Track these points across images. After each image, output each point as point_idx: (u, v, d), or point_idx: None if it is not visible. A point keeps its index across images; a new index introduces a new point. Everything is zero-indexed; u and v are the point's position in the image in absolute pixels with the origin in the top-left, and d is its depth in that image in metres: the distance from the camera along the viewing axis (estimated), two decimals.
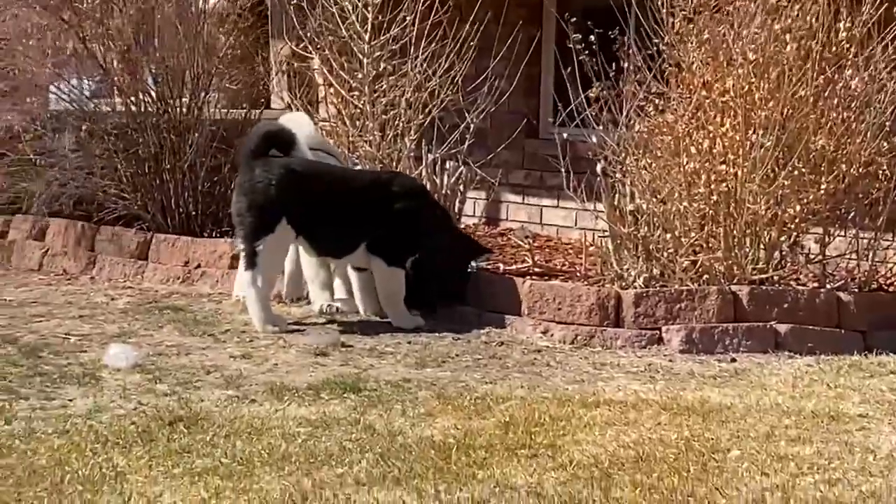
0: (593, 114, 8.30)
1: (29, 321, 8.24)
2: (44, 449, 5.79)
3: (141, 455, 5.73)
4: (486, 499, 5.27)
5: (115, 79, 10.19)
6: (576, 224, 9.97)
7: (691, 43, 8.17)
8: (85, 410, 6.40)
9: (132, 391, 6.75)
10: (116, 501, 5.20)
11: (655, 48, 8.25)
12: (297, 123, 8.45)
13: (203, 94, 10.16)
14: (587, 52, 8.31)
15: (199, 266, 9.28)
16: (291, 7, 9.70)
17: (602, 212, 8.41)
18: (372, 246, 8.15)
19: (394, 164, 9.01)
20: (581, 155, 8.63)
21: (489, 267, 8.87)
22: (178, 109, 10.07)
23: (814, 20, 7.90)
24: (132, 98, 10.07)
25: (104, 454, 5.73)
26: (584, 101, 8.35)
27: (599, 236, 8.67)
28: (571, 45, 8.45)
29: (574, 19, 8.64)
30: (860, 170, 8.03)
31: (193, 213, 9.86)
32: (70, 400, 6.58)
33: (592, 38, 8.39)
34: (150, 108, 10.05)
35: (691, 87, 8.12)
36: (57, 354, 7.46)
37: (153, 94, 10.11)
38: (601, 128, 8.29)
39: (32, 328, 8.06)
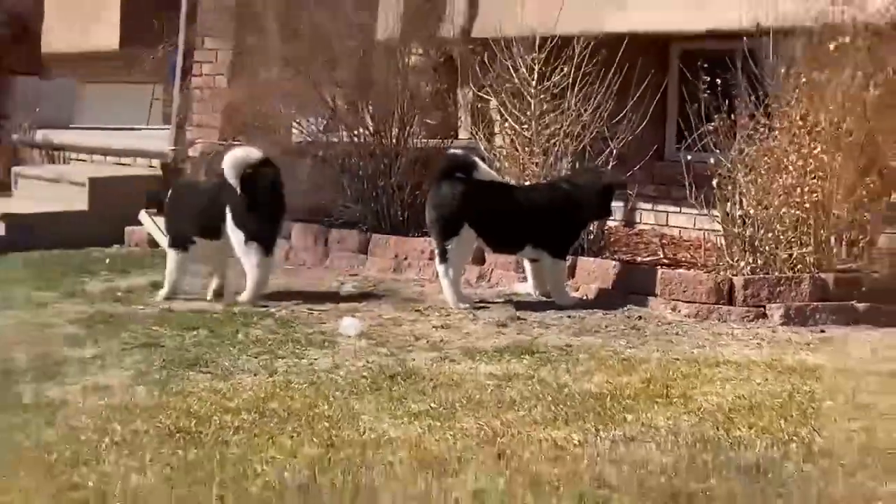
0: (711, 140, 8.23)
1: (281, 300, 8.31)
2: (297, 395, 5.87)
3: (370, 401, 5.79)
4: (635, 436, 5.26)
5: (341, 117, 10.26)
6: (694, 226, 9.84)
7: (791, 85, 8.05)
8: (326, 367, 6.48)
9: (361, 353, 6.81)
10: (354, 435, 5.26)
11: (762, 89, 8.15)
12: None
13: (408, 128, 10.17)
14: (707, 91, 8.24)
15: (406, 258, 9.32)
16: (475, 62, 9.72)
17: (717, 216, 8.32)
18: (538, 243, 8.16)
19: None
20: (700, 172, 8.52)
21: (629, 258, 8.81)
22: (389, 140, 10.09)
23: (891, 70, 7.77)
24: (354, 132, 10.13)
25: (342, 400, 5.80)
26: (703, 130, 8.30)
27: (715, 235, 8.57)
28: (694, 88, 8.39)
29: (699, 68, 8.54)
30: None
31: (401, 218, 9.87)
32: (315, 359, 6.66)
33: (711, 81, 8.33)
34: (367, 139, 10.08)
35: (790, 119, 8.01)
36: (303, 325, 7.55)
37: (370, 128, 10.16)
38: (717, 151, 8.20)
39: (284, 305, 8.13)
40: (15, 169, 12.65)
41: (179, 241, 8.37)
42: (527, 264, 8.43)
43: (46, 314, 7.76)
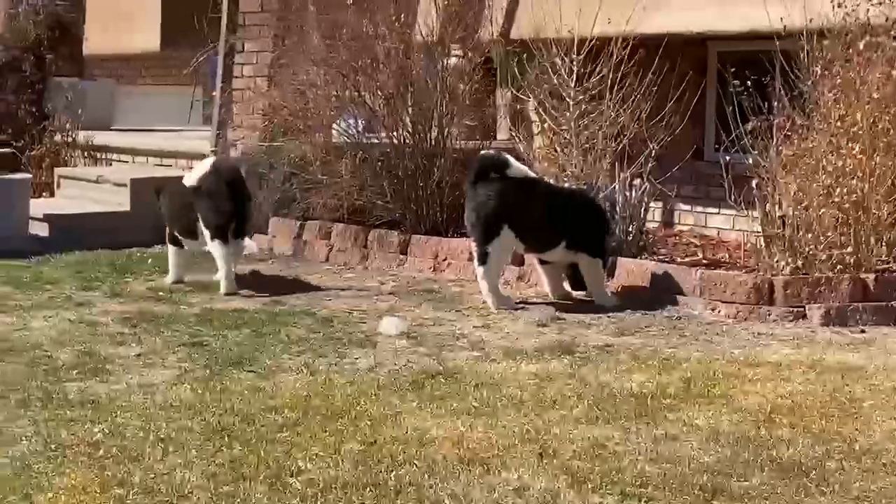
0: (749, 141, 8.22)
1: (321, 300, 8.38)
2: (339, 394, 5.90)
3: (412, 399, 5.81)
4: (676, 435, 5.27)
5: (381, 118, 10.29)
6: (733, 227, 9.83)
7: (827, 85, 8.05)
8: (368, 366, 6.51)
9: (401, 352, 6.84)
10: (396, 433, 5.28)
11: (798, 89, 8.14)
12: None
13: (447, 129, 10.19)
14: (745, 93, 8.24)
15: (445, 259, 9.34)
16: (514, 63, 9.74)
17: (756, 217, 8.31)
18: (573, 241, 8.14)
19: (593, 181, 8.97)
20: (739, 173, 8.52)
21: (668, 259, 8.81)
22: (428, 141, 10.11)
23: None
24: (394, 133, 10.16)
25: (384, 398, 5.82)
26: (741, 131, 8.30)
27: (754, 235, 8.55)
28: (731, 89, 8.40)
29: (734, 69, 8.54)
30: None
31: (440, 219, 9.89)
32: (356, 358, 6.69)
33: (748, 82, 8.33)
34: (407, 140, 10.10)
35: (828, 119, 7.99)
36: (344, 324, 7.58)
37: (409, 129, 10.18)
38: (756, 152, 8.19)
39: (325, 305, 8.19)
40: (57, 170, 12.76)
41: (172, 239, 8.97)
42: (539, 267, 8.42)
43: (91, 313, 7.82)
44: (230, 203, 8.58)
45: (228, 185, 8.63)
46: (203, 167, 8.88)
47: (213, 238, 8.58)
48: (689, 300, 7.92)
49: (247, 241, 10.48)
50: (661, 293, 8.09)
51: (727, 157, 8.63)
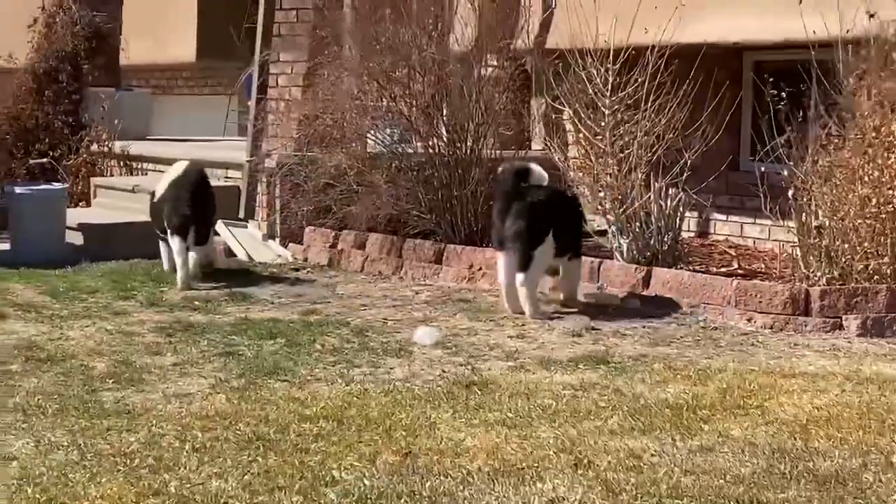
0: (786, 151, 8.20)
1: (356, 309, 8.40)
2: (374, 404, 5.91)
3: (447, 409, 5.81)
4: (712, 446, 5.25)
5: (416, 128, 10.30)
6: (769, 237, 9.79)
7: (863, 95, 8.01)
8: (402, 376, 6.52)
9: (436, 362, 6.84)
10: (431, 443, 5.28)
11: (834, 99, 8.11)
12: None
13: (482, 139, 10.19)
14: (781, 102, 8.22)
15: (480, 269, 9.33)
16: (549, 73, 9.72)
17: (792, 227, 8.27)
18: (574, 243, 8.43)
19: (628, 191, 8.95)
20: (774, 183, 8.49)
21: (703, 269, 8.78)
22: (463, 151, 10.12)
23: None
24: (429, 142, 10.17)
25: (419, 408, 5.83)
26: (778, 141, 8.27)
27: (790, 246, 8.51)
28: (768, 98, 8.37)
29: (772, 79, 8.52)
30: None
31: (475, 228, 9.89)
32: (391, 368, 6.70)
33: (784, 92, 8.32)
34: (442, 150, 10.11)
35: (864, 130, 7.95)
36: (378, 334, 7.59)
37: (445, 139, 10.19)
38: (791, 162, 8.16)
39: (359, 314, 8.21)
40: (94, 180, 12.85)
41: (162, 238, 9.64)
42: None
43: (127, 323, 7.86)
44: (192, 205, 9.28)
45: (188, 186, 9.40)
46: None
47: (173, 235, 9.29)
48: (724, 310, 7.90)
49: (281, 249, 10.54)
50: (696, 303, 8.06)
51: (763, 168, 8.59)
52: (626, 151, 9.03)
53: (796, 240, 8.24)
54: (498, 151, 10.39)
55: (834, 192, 7.99)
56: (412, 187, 10.02)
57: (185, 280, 9.12)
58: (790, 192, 8.16)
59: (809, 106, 8.32)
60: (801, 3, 8.32)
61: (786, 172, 8.22)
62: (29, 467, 4.96)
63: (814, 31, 8.26)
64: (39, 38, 14.08)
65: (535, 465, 5.00)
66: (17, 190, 10.95)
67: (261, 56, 11.40)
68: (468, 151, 10.12)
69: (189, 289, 9.02)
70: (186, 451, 5.16)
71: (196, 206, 9.32)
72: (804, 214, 8.11)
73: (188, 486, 4.77)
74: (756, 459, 5.05)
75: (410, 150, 10.34)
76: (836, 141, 8.08)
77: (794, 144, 8.17)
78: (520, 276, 8.06)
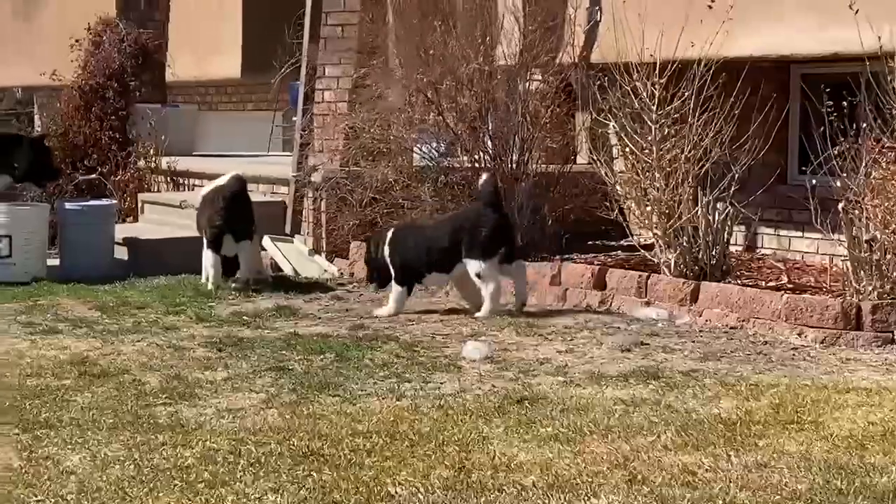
0: (837, 164, 8.16)
1: (404, 324, 8.42)
2: (426, 419, 5.92)
3: (499, 424, 5.82)
4: (767, 461, 5.23)
5: (462, 141, 10.32)
6: (818, 251, 9.74)
7: None
8: (453, 391, 6.52)
9: (486, 377, 6.85)
10: (484, 458, 5.29)
11: (887, 111, 8.07)
12: None
13: (528, 152, 10.22)
14: (831, 115, 8.18)
15: (526, 283, 9.29)
16: (595, 87, 9.73)
17: (842, 241, 8.23)
18: None
19: (676, 206, 8.93)
20: (824, 197, 8.45)
21: (752, 283, 8.74)
22: (508, 164, 10.16)
23: None
24: (475, 156, 10.20)
25: (471, 423, 5.84)
26: (828, 154, 8.24)
27: (840, 259, 8.47)
28: (823, 109, 8.34)
29: (821, 91, 8.49)
30: None
31: (521, 242, 9.88)
32: (441, 383, 6.71)
33: (831, 103, 8.28)
34: (487, 164, 10.14)
35: None
36: (427, 349, 7.60)
37: (490, 153, 10.21)
38: (843, 175, 8.12)
39: (407, 329, 8.23)
40: (141, 196, 12.94)
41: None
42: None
43: (177, 337, 7.91)
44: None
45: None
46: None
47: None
48: (774, 325, 7.87)
49: (327, 264, 10.58)
50: (745, 318, 8.03)
51: (813, 181, 8.54)
52: (674, 165, 9.01)
53: (846, 253, 8.19)
54: (544, 165, 10.39)
55: (885, 204, 7.94)
56: (458, 200, 10.03)
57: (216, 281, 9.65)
58: (840, 206, 8.11)
59: (859, 118, 8.28)
60: (856, 13, 8.26)
61: (838, 184, 8.17)
62: (87, 482, 5.00)
63: (862, 44, 8.23)
64: (86, 56, 14.18)
65: (589, 480, 4.99)
66: (67, 205, 11.05)
67: (306, 70, 11.45)
68: (513, 165, 10.13)
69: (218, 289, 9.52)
70: (241, 466, 5.19)
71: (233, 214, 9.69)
72: (855, 228, 8.06)
73: (244, 500, 4.79)
74: (812, 475, 5.02)
75: (456, 164, 10.36)
76: (889, 153, 8.03)
77: (845, 157, 8.13)
78: (493, 287, 8.65)
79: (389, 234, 8.92)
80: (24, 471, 5.15)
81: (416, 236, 8.94)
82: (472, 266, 8.54)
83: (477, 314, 8.54)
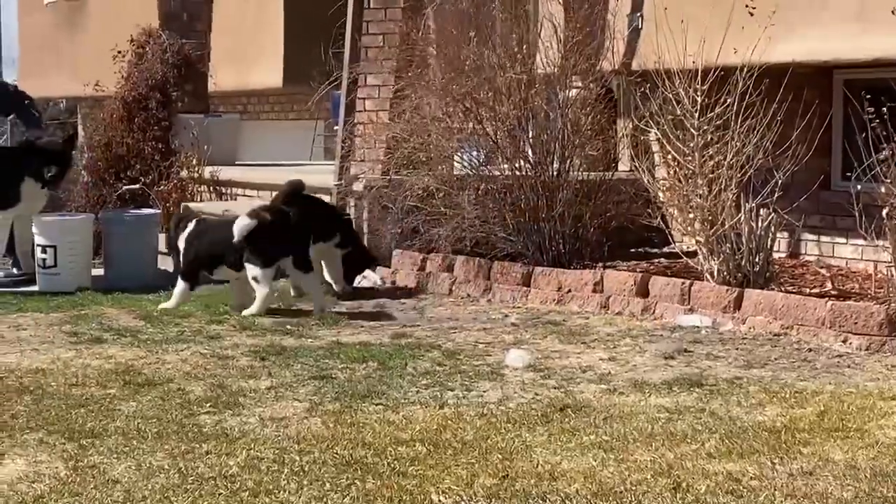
0: (882, 169, 8.11)
1: (446, 332, 8.42)
2: (469, 427, 5.93)
3: (542, 433, 5.81)
4: (812, 469, 5.20)
5: (503, 150, 10.32)
6: (861, 257, 9.67)
7: None
8: (496, 399, 6.52)
9: (529, 385, 6.84)
10: (528, 467, 5.29)
11: None
12: None
13: (568, 160, 10.20)
14: (875, 120, 8.13)
15: (569, 291, 9.32)
16: (637, 93, 9.71)
17: (887, 247, 8.17)
18: None
19: (718, 213, 8.89)
20: (867, 202, 8.40)
21: (796, 290, 8.69)
22: (549, 172, 10.13)
23: None
24: (515, 164, 10.19)
25: (514, 432, 5.84)
26: (872, 160, 8.19)
27: (885, 266, 8.41)
28: (866, 115, 8.29)
29: (870, 96, 8.44)
30: None
31: (563, 250, 9.89)
32: (484, 391, 6.71)
33: (872, 109, 8.24)
34: (528, 172, 10.12)
35: None
36: (470, 357, 7.61)
37: (531, 161, 10.20)
38: (888, 180, 8.07)
39: (450, 337, 8.23)
40: (184, 205, 12.99)
41: None
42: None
43: (221, 346, 7.95)
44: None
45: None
46: None
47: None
48: (819, 332, 7.82)
49: (369, 272, 10.60)
50: (789, 325, 7.99)
51: (857, 187, 8.49)
52: (716, 172, 8.97)
53: (891, 259, 8.13)
54: (585, 173, 10.38)
55: None
56: (499, 209, 10.04)
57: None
58: (884, 212, 8.06)
59: None
60: None
61: (882, 191, 8.12)
62: (132, 490, 5.03)
63: None
64: (129, 67, 14.29)
65: (633, 488, 4.98)
66: (111, 216, 11.12)
67: (348, 79, 11.49)
68: (554, 173, 10.12)
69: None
70: (285, 475, 5.21)
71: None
72: None
73: None
74: (858, 483, 4.99)
75: (497, 173, 10.35)
76: None
77: (889, 163, 8.08)
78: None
79: None
80: (70, 480, 5.18)
81: None
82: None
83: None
